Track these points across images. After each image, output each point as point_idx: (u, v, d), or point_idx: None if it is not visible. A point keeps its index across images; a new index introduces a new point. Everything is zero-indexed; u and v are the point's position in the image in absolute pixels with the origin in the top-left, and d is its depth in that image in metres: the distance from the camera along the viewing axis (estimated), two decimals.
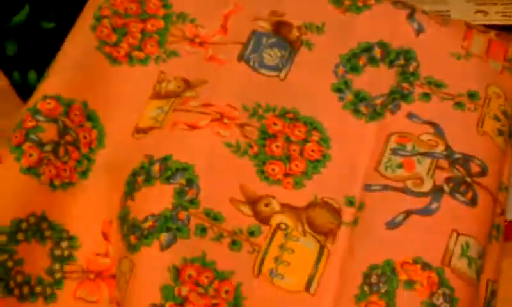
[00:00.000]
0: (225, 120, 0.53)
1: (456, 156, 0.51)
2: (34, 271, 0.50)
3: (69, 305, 0.50)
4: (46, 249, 0.51)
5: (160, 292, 0.46)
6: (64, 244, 0.51)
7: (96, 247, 0.51)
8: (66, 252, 0.51)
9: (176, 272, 0.47)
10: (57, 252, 0.51)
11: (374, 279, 0.47)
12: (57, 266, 0.51)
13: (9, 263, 0.49)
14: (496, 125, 0.53)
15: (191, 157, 0.51)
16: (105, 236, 0.52)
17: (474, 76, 0.54)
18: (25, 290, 0.49)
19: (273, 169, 0.52)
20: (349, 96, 0.55)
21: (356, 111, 0.55)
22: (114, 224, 0.51)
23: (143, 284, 0.47)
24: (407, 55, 0.56)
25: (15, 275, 0.49)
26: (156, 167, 0.51)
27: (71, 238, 0.52)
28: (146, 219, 0.49)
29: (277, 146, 0.53)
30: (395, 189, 0.50)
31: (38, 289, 0.50)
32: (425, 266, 0.47)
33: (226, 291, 0.48)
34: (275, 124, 0.54)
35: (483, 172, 0.50)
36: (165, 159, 0.51)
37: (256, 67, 0.56)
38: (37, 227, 0.50)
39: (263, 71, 0.56)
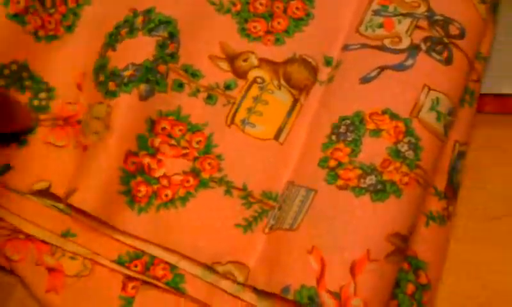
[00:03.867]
0: None
1: (436, 17, 0.50)
2: None
3: (39, 149, 0.51)
4: (25, 99, 0.52)
5: (136, 141, 0.48)
6: (42, 95, 0.53)
7: (69, 97, 0.53)
8: (43, 103, 0.52)
9: (152, 124, 0.49)
10: (35, 102, 0.52)
11: (342, 129, 0.47)
12: (33, 115, 0.52)
13: None
14: None
15: (174, 11, 0.52)
16: (79, 87, 0.53)
17: None
18: None
19: (255, 27, 0.53)
20: None
21: None
22: (88, 73, 0.52)
23: (121, 130, 0.48)
24: None
25: None
26: (139, 19, 0.52)
27: (49, 90, 0.53)
28: (126, 68, 0.49)
29: (261, 4, 0.54)
30: (373, 47, 0.50)
31: None
32: (394, 116, 0.47)
33: (198, 142, 0.49)
34: None
35: (461, 35, 0.50)
36: (149, 11, 0.52)
37: None
38: (18, 75, 0.52)
39: None
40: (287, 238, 0.45)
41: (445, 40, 0.49)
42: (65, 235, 0.48)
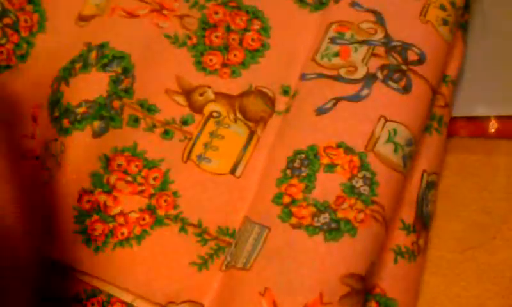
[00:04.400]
0: (164, 11, 0.53)
1: (394, 44, 0.49)
2: None
3: None
4: None
5: (90, 178, 0.48)
6: None
7: (24, 129, 0.52)
8: None
9: (107, 161, 0.48)
10: None
11: (297, 163, 0.47)
12: None
13: None
14: (442, 14, 0.51)
15: (128, 46, 0.51)
16: (34, 119, 0.52)
17: None
18: None
19: (211, 59, 0.52)
20: None
21: (300, 1, 0.54)
22: (44, 107, 0.51)
23: (74, 169, 0.48)
24: None
25: None
26: (93, 54, 0.51)
27: None
28: (80, 105, 0.49)
29: (216, 36, 0.53)
30: (328, 77, 0.49)
31: None
32: (348, 150, 0.46)
33: (155, 178, 0.49)
34: (216, 13, 0.54)
35: (420, 60, 0.49)
36: (102, 46, 0.51)
37: None
38: None
39: None
40: (240, 278, 0.45)
41: (403, 67, 0.49)
42: None
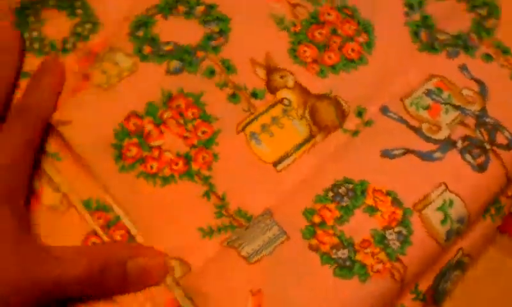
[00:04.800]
0: None
1: (487, 120, 0.47)
2: None
3: None
4: (71, 24, 0.52)
5: (145, 106, 0.47)
6: (88, 26, 0.53)
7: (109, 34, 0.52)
8: (85, 33, 0.52)
9: (168, 98, 0.48)
10: (79, 29, 0.52)
11: (342, 190, 0.45)
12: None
13: None
14: None
15: (233, 11, 0.51)
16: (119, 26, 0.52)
17: None
18: None
19: (305, 51, 0.51)
20: (417, 16, 0.52)
21: (415, 34, 0.52)
22: (128, 19, 0.51)
23: (135, 92, 0.48)
24: (491, 9, 0.52)
25: None
26: (201, 9, 0.52)
27: (96, 24, 0.53)
28: (168, 43, 0.49)
29: (320, 33, 0.51)
30: (409, 126, 0.48)
31: None
32: (396, 202, 0.44)
33: (203, 132, 0.48)
34: (328, 14, 0.52)
35: (508, 146, 0.47)
36: (211, 7, 0.52)
37: None
38: (71, 1, 0.53)
39: None
40: (239, 266, 0.43)
41: (487, 146, 0.46)
42: (53, 155, 0.47)
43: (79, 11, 0.53)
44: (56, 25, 0.52)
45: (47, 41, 0.51)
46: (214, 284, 0.43)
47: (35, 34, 0.52)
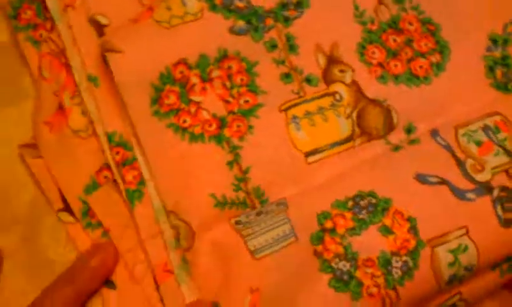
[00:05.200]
0: None
1: None
2: None
3: None
4: None
5: (197, 57, 0.47)
6: None
7: None
8: None
9: (222, 57, 0.47)
10: None
11: (363, 202, 0.44)
12: None
13: None
14: None
15: None
16: None
17: None
18: None
19: (373, 52, 0.49)
20: (497, 52, 0.50)
21: (490, 69, 0.50)
22: None
23: (193, 38, 0.47)
24: None
25: None
26: None
27: None
28: (243, 0, 0.49)
29: (394, 40, 0.50)
30: (454, 156, 0.46)
31: None
32: (413, 230, 0.43)
33: (246, 101, 0.47)
34: (410, 23, 0.50)
35: None
36: None
37: None
38: None
39: None
40: (244, 260, 0.43)
41: None
42: (91, 79, 0.47)
43: None
44: None
45: None
46: (216, 270, 0.44)
47: None
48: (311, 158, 0.46)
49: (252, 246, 0.43)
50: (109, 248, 0.46)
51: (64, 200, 0.48)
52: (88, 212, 0.47)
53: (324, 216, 0.44)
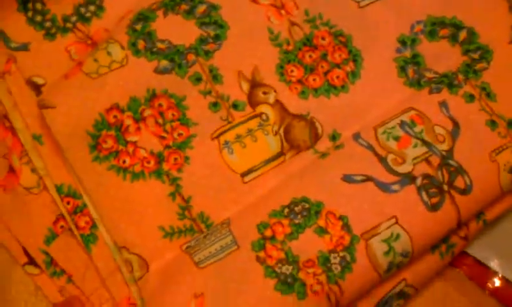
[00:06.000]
0: (282, 12, 0.54)
1: (451, 162, 0.49)
2: None
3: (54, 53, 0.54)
4: (75, 2, 0.55)
5: (129, 100, 0.50)
6: (91, 8, 0.55)
7: (109, 24, 0.55)
8: (88, 15, 0.55)
9: (152, 96, 0.50)
10: (82, 10, 0.55)
11: (298, 208, 0.47)
12: None
13: None
14: None
15: (233, 20, 0.53)
16: (121, 20, 0.54)
17: None
18: None
19: (292, 71, 0.53)
20: (407, 53, 0.54)
21: (403, 69, 0.53)
22: (131, 13, 0.53)
23: (121, 84, 0.50)
24: (484, 53, 0.53)
25: None
26: (201, 9, 0.53)
27: (100, 8, 0.55)
28: (163, 42, 0.52)
29: (310, 57, 0.53)
30: (376, 154, 0.50)
31: None
32: (346, 227, 0.47)
33: (179, 134, 0.50)
34: (323, 38, 0.54)
35: (465, 191, 0.48)
36: (214, 7, 0.53)
37: None
38: None
39: None
40: (189, 271, 0.46)
41: (444, 188, 0.48)
42: (35, 137, 0.51)
43: None
44: (60, 1, 0.54)
45: (49, 16, 0.54)
46: (165, 287, 0.46)
47: (38, 6, 0.54)
48: (247, 178, 0.50)
49: (197, 258, 0.47)
50: (76, 303, 0.49)
51: (27, 254, 0.51)
52: (51, 261, 0.50)
53: (263, 225, 0.47)
